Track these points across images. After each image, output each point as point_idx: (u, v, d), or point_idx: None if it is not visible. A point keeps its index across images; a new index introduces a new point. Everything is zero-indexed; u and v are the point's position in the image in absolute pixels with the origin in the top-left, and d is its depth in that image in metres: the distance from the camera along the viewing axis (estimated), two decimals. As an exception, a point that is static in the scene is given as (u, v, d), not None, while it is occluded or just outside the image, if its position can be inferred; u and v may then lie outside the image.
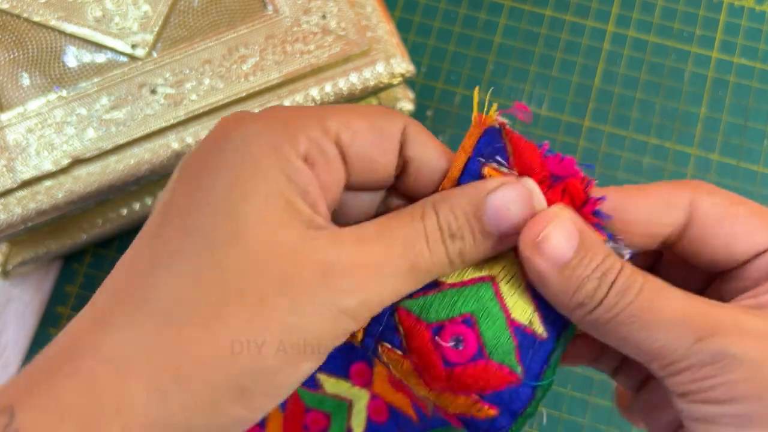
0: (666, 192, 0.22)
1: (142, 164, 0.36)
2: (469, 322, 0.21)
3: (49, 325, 0.42)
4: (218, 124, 0.21)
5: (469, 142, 0.21)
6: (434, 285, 0.21)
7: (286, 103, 0.37)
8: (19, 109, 0.37)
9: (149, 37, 0.37)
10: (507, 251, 0.21)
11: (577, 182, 0.21)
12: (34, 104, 0.37)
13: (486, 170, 0.21)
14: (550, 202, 0.21)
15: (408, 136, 0.22)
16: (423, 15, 0.47)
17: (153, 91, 0.37)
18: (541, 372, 0.21)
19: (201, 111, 0.37)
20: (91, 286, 0.43)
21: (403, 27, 0.46)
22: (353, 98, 0.38)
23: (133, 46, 0.37)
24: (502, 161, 0.21)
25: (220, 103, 0.37)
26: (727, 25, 0.46)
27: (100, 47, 0.37)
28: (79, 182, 0.36)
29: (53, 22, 0.37)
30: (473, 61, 0.46)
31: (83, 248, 0.43)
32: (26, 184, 0.36)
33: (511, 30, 0.46)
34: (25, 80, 0.37)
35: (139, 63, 0.37)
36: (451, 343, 0.21)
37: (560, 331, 0.22)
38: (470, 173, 0.21)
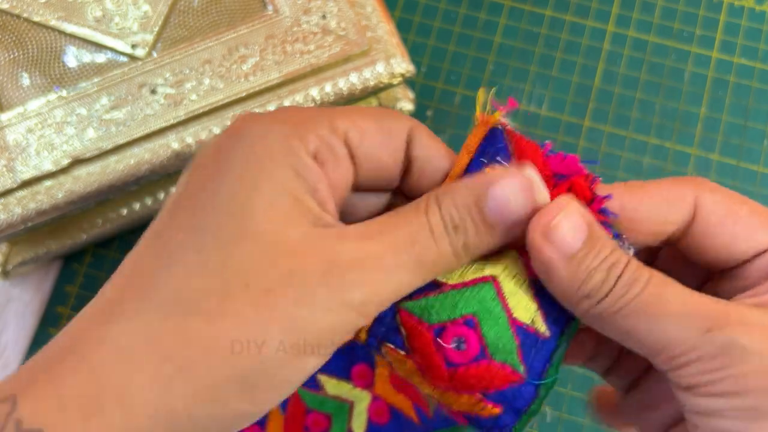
0: (670, 189, 0.22)
1: (142, 164, 0.36)
2: (471, 323, 0.21)
3: (49, 325, 0.42)
4: (230, 124, 0.21)
5: (471, 141, 0.21)
6: (435, 286, 0.21)
7: (286, 103, 0.37)
8: (19, 109, 0.37)
9: (149, 37, 0.37)
10: (509, 250, 0.22)
11: (581, 180, 0.21)
12: (34, 104, 0.37)
13: (488, 170, 0.21)
14: None
15: (413, 136, 0.22)
16: (423, 15, 0.47)
17: (153, 91, 0.37)
18: (544, 370, 0.21)
19: (201, 111, 0.37)
20: (91, 286, 0.43)
21: (403, 27, 0.46)
22: (353, 98, 0.38)
23: (133, 46, 0.37)
24: (505, 161, 0.21)
25: (220, 103, 0.37)
26: (727, 25, 0.46)
27: (100, 47, 0.37)
28: (79, 182, 0.36)
29: (53, 22, 0.37)
30: (473, 61, 0.46)
31: (83, 248, 0.43)
32: (26, 184, 0.36)
33: (511, 30, 0.46)
34: (25, 80, 0.37)
35: (139, 63, 0.37)
36: (453, 345, 0.21)
37: (563, 329, 0.22)
38: (474, 169, 0.21)
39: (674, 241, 0.22)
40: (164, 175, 0.38)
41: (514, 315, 0.21)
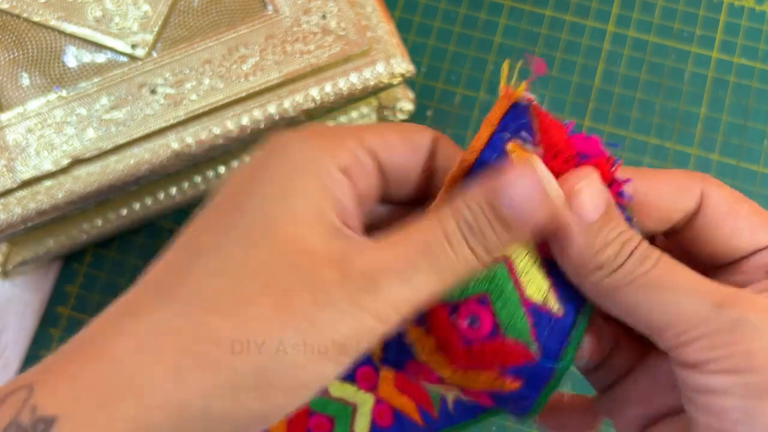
0: (679, 179, 0.22)
1: (142, 164, 0.36)
2: (483, 301, 0.21)
3: (49, 325, 0.42)
4: (265, 143, 0.22)
5: (494, 115, 0.21)
6: None
7: (286, 103, 0.37)
8: (19, 109, 0.37)
9: (149, 37, 0.37)
10: None
11: (603, 161, 0.21)
12: (34, 104, 0.37)
13: (510, 145, 0.21)
14: None
15: (437, 147, 0.23)
16: (423, 15, 0.47)
17: (153, 91, 0.37)
18: (561, 349, 0.21)
19: (201, 111, 0.37)
20: (91, 286, 0.43)
21: (403, 27, 0.46)
22: (353, 98, 0.38)
23: (133, 46, 0.37)
24: (528, 137, 0.21)
25: (220, 103, 0.37)
26: (727, 25, 0.46)
27: (100, 47, 0.37)
28: (79, 182, 0.36)
29: (53, 22, 0.37)
30: (473, 61, 0.46)
31: (83, 248, 0.43)
32: (26, 184, 0.36)
33: (511, 30, 0.46)
34: (25, 80, 0.37)
35: (139, 63, 0.37)
36: (467, 322, 0.21)
37: (578, 308, 0.22)
38: (494, 147, 0.21)
39: (677, 230, 0.23)
40: (164, 175, 0.38)
41: (527, 294, 0.21)
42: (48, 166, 0.36)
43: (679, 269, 0.20)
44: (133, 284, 0.21)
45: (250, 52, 0.37)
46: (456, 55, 0.46)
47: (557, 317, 0.21)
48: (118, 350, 0.19)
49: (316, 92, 0.37)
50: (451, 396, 0.23)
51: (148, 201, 0.42)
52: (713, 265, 0.23)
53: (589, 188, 0.20)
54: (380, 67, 0.37)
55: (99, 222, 0.42)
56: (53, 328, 0.42)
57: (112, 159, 0.36)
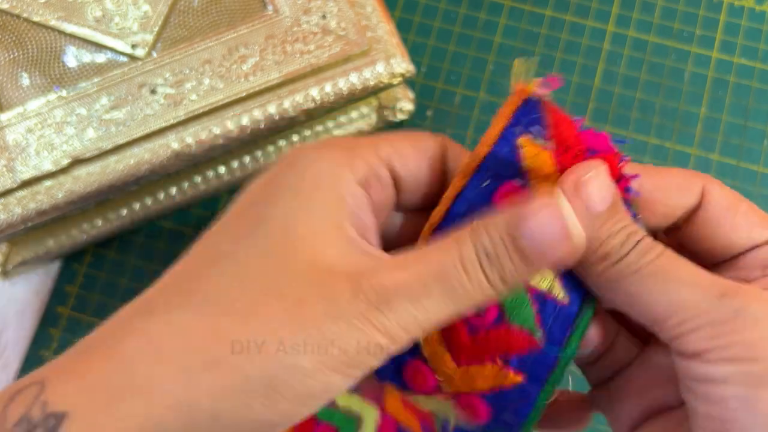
0: (683, 176, 0.23)
1: (142, 164, 0.36)
2: None
3: (49, 325, 0.42)
4: (285, 154, 0.23)
5: (507, 109, 0.21)
6: None
7: (286, 103, 0.37)
8: (19, 109, 0.37)
9: (149, 37, 0.37)
10: None
11: (611, 157, 0.21)
12: (34, 104, 0.37)
13: (521, 140, 0.21)
14: None
15: (447, 152, 0.24)
16: (423, 15, 0.47)
17: (153, 91, 0.37)
18: (565, 337, 0.21)
19: (201, 111, 0.37)
20: (91, 286, 0.43)
21: (403, 27, 0.46)
22: (353, 98, 0.38)
23: (133, 46, 0.37)
24: (539, 132, 0.21)
25: (220, 103, 0.37)
26: (727, 25, 0.46)
27: (100, 47, 0.37)
28: (79, 182, 0.36)
29: (53, 22, 0.37)
30: (473, 61, 0.46)
31: (83, 248, 0.43)
32: (26, 184, 0.36)
33: (511, 30, 0.46)
34: (25, 80, 0.37)
35: (139, 63, 0.37)
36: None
37: (583, 297, 0.22)
38: (506, 140, 0.21)
39: (678, 227, 0.23)
40: (164, 175, 0.38)
41: (532, 282, 0.22)
42: (48, 166, 0.36)
43: (682, 262, 0.21)
44: (135, 284, 0.21)
45: (250, 52, 0.37)
46: (456, 55, 0.46)
47: (562, 305, 0.21)
48: (129, 350, 0.19)
49: (316, 92, 0.37)
50: (452, 419, 0.23)
51: (148, 201, 0.42)
52: (712, 262, 0.23)
53: (597, 180, 0.20)
54: (380, 67, 0.37)
55: (99, 222, 0.42)
56: (53, 328, 0.42)
57: (112, 159, 0.36)
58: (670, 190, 0.22)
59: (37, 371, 0.19)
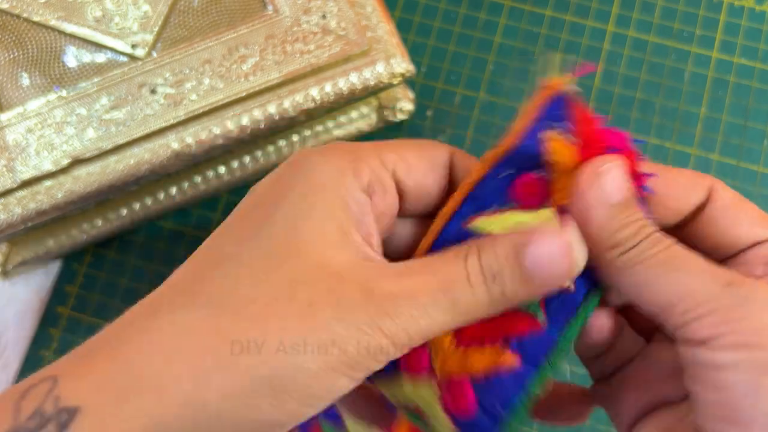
0: (691, 175, 0.24)
1: (142, 164, 0.36)
2: None
3: (49, 325, 0.42)
4: (290, 157, 0.23)
5: (534, 104, 0.22)
6: (477, 236, 0.22)
7: (286, 103, 0.37)
8: (19, 109, 0.37)
9: (149, 37, 0.37)
10: (546, 207, 0.22)
11: (630, 155, 0.22)
12: (34, 104, 0.37)
13: (548, 134, 0.22)
14: None
15: (454, 162, 0.24)
16: (423, 15, 0.47)
17: (153, 91, 0.37)
18: (568, 321, 0.22)
19: (201, 111, 0.37)
20: (91, 286, 0.43)
21: (403, 27, 0.46)
22: (353, 98, 0.38)
23: (133, 46, 0.37)
24: (565, 127, 0.22)
25: (220, 103, 0.37)
26: (727, 25, 0.46)
27: (100, 47, 0.37)
28: (79, 182, 0.36)
29: (53, 22, 0.37)
30: (473, 61, 0.46)
31: (83, 248, 0.43)
32: (26, 184, 0.36)
33: (511, 30, 0.46)
34: (25, 80, 0.37)
35: (139, 63, 0.37)
36: None
37: (589, 287, 0.22)
38: (532, 135, 0.22)
39: (686, 223, 0.24)
40: (164, 175, 0.38)
41: None
42: (48, 166, 0.36)
43: (691, 254, 0.21)
44: (135, 284, 0.21)
45: (250, 52, 0.37)
46: (456, 55, 0.46)
47: (567, 292, 0.22)
48: (142, 348, 0.19)
49: (316, 92, 0.37)
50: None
51: (148, 201, 0.42)
52: (716, 259, 0.23)
53: (613, 171, 0.21)
54: (380, 67, 0.37)
55: (99, 222, 0.42)
56: (53, 328, 0.42)
57: (112, 159, 0.36)
58: (679, 187, 0.23)
59: (48, 368, 0.20)
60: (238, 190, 0.43)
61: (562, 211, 0.22)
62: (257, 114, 0.37)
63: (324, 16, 0.37)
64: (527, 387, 0.22)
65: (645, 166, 0.22)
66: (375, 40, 0.38)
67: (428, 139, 0.44)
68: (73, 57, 0.37)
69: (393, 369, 0.23)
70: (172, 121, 0.36)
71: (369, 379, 0.23)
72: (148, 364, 0.19)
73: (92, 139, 0.36)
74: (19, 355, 0.42)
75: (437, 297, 0.20)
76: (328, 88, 0.37)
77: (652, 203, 0.23)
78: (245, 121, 0.37)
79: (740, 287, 0.20)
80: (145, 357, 0.19)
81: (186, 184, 0.42)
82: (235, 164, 0.42)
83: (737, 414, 0.19)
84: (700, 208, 0.23)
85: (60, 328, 0.42)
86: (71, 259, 0.43)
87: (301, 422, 0.20)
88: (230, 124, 0.37)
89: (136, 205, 0.42)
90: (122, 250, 0.43)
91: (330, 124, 0.43)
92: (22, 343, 0.42)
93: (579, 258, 0.21)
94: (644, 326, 0.25)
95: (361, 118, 0.43)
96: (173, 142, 0.37)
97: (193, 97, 0.37)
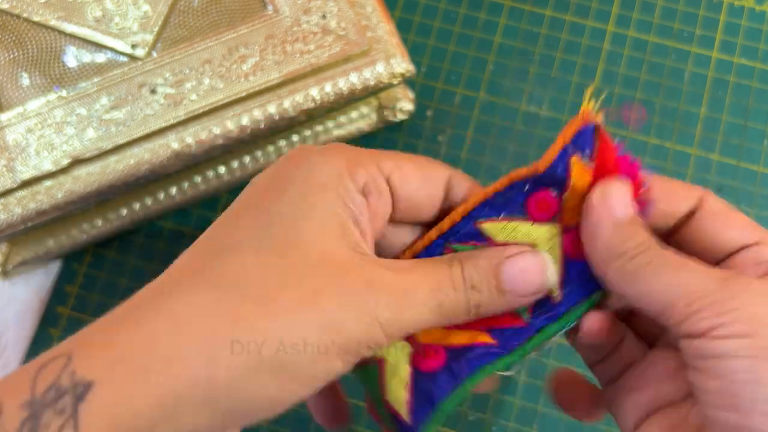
0: (683, 185, 0.25)
1: (142, 164, 0.36)
2: None
3: (49, 325, 0.42)
4: (291, 153, 0.25)
5: (568, 132, 0.24)
6: (483, 239, 0.25)
7: (286, 103, 0.37)
8: (19, 109, 0.37)
9: (149, 37, 0.37)
10: (552, 224, 0.25)
11: (637, 182, 0.24)
12: (34, 104, 0.37)
13: (574, 158, 0.24)
14: None
15: (452, 184, 0.26)
16: (423, 15, 0.47)
17: (153, 91, 0.37)
18: (547, 324, 0.25)
19: (201, 111, 0.37)
20: (91, 286, 0.43)
21: (403, 27, 0.46)
22: (353, 98, 0.38)
23: (133, 46, 0.37)
24: (588, 154, 0.24)
25: (220, 103, 0.37)
26: (727, 25, 0.46)
27: (100, 47, 0.37)
28: (79, 182, 0.36)
29: (53, 22, 0.37)
30: (473, 61, 0.46)
31: (83, 248, 0.43)
32: (26, 184, 0.36)
33: (511, 30, 0.46)
34: (25, 80, 0.37)
35: (139, 63, 0.37)
36: None
37: (574, 302, 0.25)
38: (562, 158, 0.24)
39: (679, 228, 0.25)
40: (164, 174, 0.38)
41: None
42: (48, 166, 0.36)
43: (689, 259, 0.23)
44: (135, 284, 0.22)
45: (250, 52, 0.37)
46: (456, 55, 0.46)
47: (555, 302, 0.25)
48: (153, 327, 0.21)
49: (316, 92, 0.37)
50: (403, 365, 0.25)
51: (148, 201, 0.42)
52: (708, 263, 0.24)
53: (619, 192, 0.24)
54: (380, 67, 0.37)
55: (99, 222, 0.42)
56: (53, 328, 0.42)
57: (112, 159, 0.36)
58: (673, 193, 0.25)
59: (62, 345, 0.21)
60: (238, 190, 0.43)
61: (566, 230, 0.25)
62: (257, 114, 0.37)
63: (324, 16, 0.37)
64: (495, 362, 0.24)
65: (646, 180, 0.25)
66: (375, 40, 0.38)
67: (428, 138, 0.44)
68: (73, 57, 0.37)
69: None
70: (172, 121, 0.36)
71: None
72: (161, 341, 0.20)
73: (92, 139, 0.36)
74: (19, 355, 0.42)
75: (428, 296, 0.23)
76: (328, 88, 0.37)
77: (649, 209, 0.25)
78: (245, 121, 0.37)
79: (734, 281, 0.21)
80: (159, 335, 0.20)
81: (186, 184, 0.42)
82: (235, 164, 0.42)
83: (738, 401, 0.20)
84: (692, 214, 0.25)
85: (60, 328, 0.42)
86: (71, 259, 0.43)
87: (296, 402, 0.22)
88: (230, 124, 0.37)
89: (136, 205, 0.42)
90: (122, 250, 0.43)
91: (330, 124, 0.43)
92: (22, 343, 0.42)
93: (550, 277, 0.24)
94: (647, 333, 0.26)
95: (361, 118, 0.43)
96: (173, 142, 0.37)
97: (193, 97, 0.37)
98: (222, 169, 0.42)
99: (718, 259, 0.24)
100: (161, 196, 0.42)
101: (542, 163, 0.25)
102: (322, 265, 0.22)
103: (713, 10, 0.46)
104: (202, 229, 0.25)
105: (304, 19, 0.37)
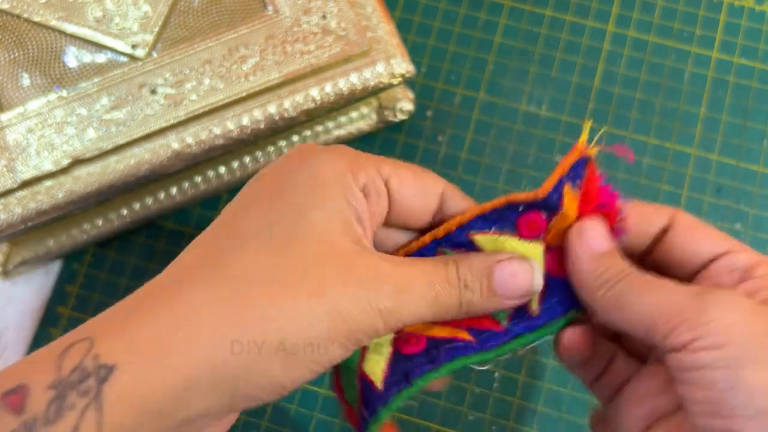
0: (655, 205, 0.27)
1: (142, 164, 0.36)
2: None
3: (49, 325, 0.42)
4: (295, 150, 0.26)
5: (565, 162, 0.26)
6: (475, 249, 0.27)
7: (286, 103, 0.37)
8: (19, 109, 0.37)
9: (149, 38, 0.37)
10: (538, 243, 0.27)
11: (614, 212, 0.26)
12: (34, 104, 0.37)
13: (567, 187, 0.26)
14: None
15: (446, 197, 0.27)
16: (423, 15, 0.47)
17: (153, 91, 0.37)
18: (522, 333, 0.27)
19: (201, 111, 0.37)
20: (91, 286, 0.43)
21: (403, 27, 0.46)
22: (353, 98, 0.38)
23: (133, 47, 0.37)
24: (577, 184, 0.26)
25: (220, 103, 0.37)
26: (727, 25, 0.46)
27: (100, 47, 0.37)
28: (79, 182, 0.36)
29: (53, 22, 0.37)
30: (473, 61, 0.46)
31: (83, 248, 0.43)
32: (26, 184, 0.36)
33: (511, 30, 0.46)
34: (25, 80, 0.37)
35: (139, 63, 0.37)
36: None
37: (551, 317, 0.27)
38: (558, 187, 0.26)
39: (654, 246, 0.27)
40: (164, 174, 0.38)
41: None
42: (48, 166, 0.36)
43: (665, 279, 0.24)
44: (135, 284, 0.22)
45: (250, 52, 0.37)
46: (456, 55, 0.46)
47: (533, 315, 0.27)
48: (172, 313, 0.22)
49: (316, 92, 0.37)
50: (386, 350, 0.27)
51: (148, 201, 0.42)
52: (683, 277, 0.26)
53: (594, 229, 0.26)
54: (380, 68, 0.37)
55: (99, 222, 0.42)
56: (53, 328, 0.42)
57: (113, 159, 0.36)
58: (646, 216, 0.27)
59: (83, 327, 0.22)
60: (238, 190, 0.43)
61: (549, 249, 0.27)
62: (257, 114, 0.37)
63: (324, 17, 0.37)
64: (471, 355, 0.26)
65: (622, 209, 0.27)
66: (375, 41, 0.38)
67: (428, 138, 0.44)
68: (73, 57, 0.37)
69: None
70: (172, 121, 0.36)
71: None
72: (178, 327, 0.22)
73: (92, 139, 0.36)
74: (20, 355, 0.42)
75: (425, 291, 0.24)
76: (328, 88, 0.37)
77: (625, 236, 0.27)
78: (245, 121, 0.37)
79: (707, 295, 0.22)
80: (177, 322, 0.22)
81: (186, 184, 0.42)
82: (235, 164, 0.42)
83: (720, 408, 0.21)
84: (665, 232, 0.26)
85: (60, 328, 0.42)
86: (71, 259, 0.43)
87: (299, 386, 0.23)
88: (230, 124, 0.37)
89: (136, 205, 0.42)
90: (122, 250, 0.43)
91: (330, 124, 0.43)
92: (22, 343, 0.42)
93: (537, 283, 0.26)
94: (637, 351, 0.28)
95: (361, 118, 0.43)
96: (173, 142, 0.37)
97: (194, 97, 0.37)
98: (222, 169, 0.42)
99: (694, 270, 0.26)
100: (161, 195, 0.42)
101: (541, 191, 0.26)
102: (327, 257, 0.23)
103: (713, 10, 0.46)
104: (203, 229, 0.25)
105: (304, 19, 0.37)
